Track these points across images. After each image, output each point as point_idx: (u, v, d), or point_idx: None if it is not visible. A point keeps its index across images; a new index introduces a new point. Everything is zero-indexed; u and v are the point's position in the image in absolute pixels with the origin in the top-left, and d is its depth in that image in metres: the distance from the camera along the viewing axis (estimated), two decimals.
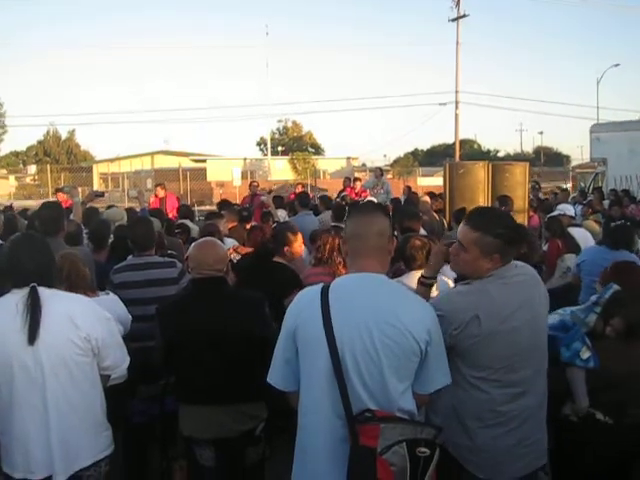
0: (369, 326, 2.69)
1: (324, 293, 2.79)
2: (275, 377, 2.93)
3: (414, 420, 2.79)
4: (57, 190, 16.92)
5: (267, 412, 3.92)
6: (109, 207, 11.05)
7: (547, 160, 64.97)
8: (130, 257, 5.43)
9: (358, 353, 2.69)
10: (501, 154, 71.38)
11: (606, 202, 14.62)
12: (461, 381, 3.17)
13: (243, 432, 3.84)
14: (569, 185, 31.90)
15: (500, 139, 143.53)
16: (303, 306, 2.87)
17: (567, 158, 62.82)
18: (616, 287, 4.07)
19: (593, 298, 4.10)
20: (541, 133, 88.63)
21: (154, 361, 4.05)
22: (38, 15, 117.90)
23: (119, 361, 3.52)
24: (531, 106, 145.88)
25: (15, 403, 3.21)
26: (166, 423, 4.31)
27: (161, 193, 13.65)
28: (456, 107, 39.27)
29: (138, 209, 9.74)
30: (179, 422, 3.94)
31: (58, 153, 69.15)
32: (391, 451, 2.55)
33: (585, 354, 3.80)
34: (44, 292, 3.23)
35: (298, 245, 5.73)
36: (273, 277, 5.22)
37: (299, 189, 14.59)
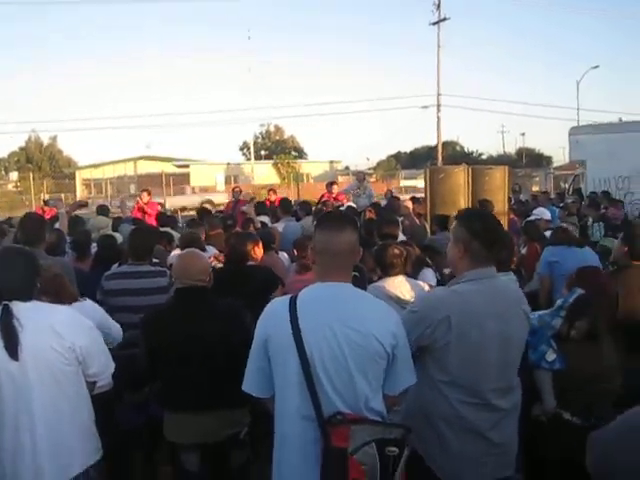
0: (335, 332, 2.82)
1: (292, 303, 2.92)
2: (250, 385, 3.06)
3: (383, 421, 2.91)
4: (44, 202, 17.03)
5: (250, 417, 4.02)
6: (100, 211, 11.08)
7: (529, 161, 65.24)
8: (123, 265, 5.54)
9: (326, 358, 2.81)
10: (484, 156, 71.62)
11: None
12: (429, 383, 3.26)
13: (227, 437, 3.94)
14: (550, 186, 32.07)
15: (483, 141, 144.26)
16: (273, 316, 3.00)
17: (549, 159, 63.11)
18: (580, 291, 4.19)
19: (559, 302, 4.22)
20: (523, 134, 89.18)
21: (139, 368, 4.12)
22: (18, 20, 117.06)
23: (104, 368, 3.57)
24: (513, 108, 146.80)
25: (2, 413, 3.24)
26: (151, 429, 4.37)
27: (145, 198, 13.69)
28: (438, 110, 39.55)
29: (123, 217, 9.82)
30: (164, 428, 4.01)
31: (40, 159, 68.82)
32: (361, 451, 2.68)
33: (550, 356, 3.91)
34: (21, 306, 3.27)
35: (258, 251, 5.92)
36: (254, 278, 5.35)
37: (271, 195, 14.61)
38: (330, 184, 15.29)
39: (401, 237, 7.35)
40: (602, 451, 2.33)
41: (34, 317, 3.28)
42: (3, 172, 70.62)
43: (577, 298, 4.13)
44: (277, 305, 3.03)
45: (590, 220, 12.30)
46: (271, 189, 16.39)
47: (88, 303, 4.47)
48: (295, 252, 6.59)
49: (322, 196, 14.53)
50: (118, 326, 4.56)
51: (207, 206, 15.11)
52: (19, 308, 3.26)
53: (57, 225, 8.06)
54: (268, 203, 13.09)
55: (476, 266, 3.31)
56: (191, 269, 3.98)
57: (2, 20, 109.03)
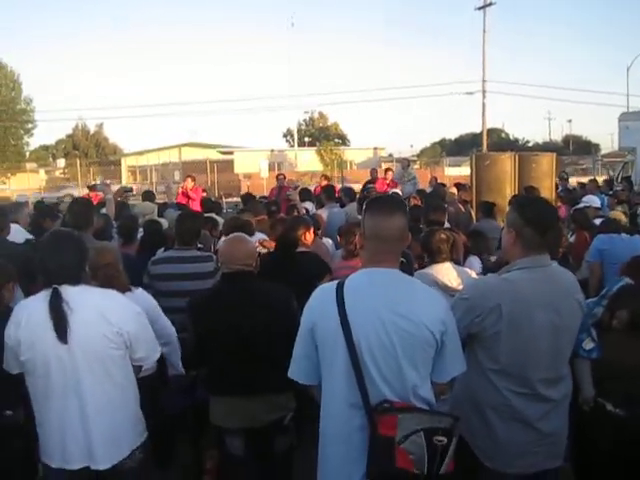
0: (383, 319, 2.78)
1: (339, 289, 2.88)
2: (296, 372, 3.05)
3: (431, 410, 2.86)
4: (89, 188, 17.13)
5: (295, 402, 4.01)
6: (145, 196, 11.17)
7: (576, 149, 64.23)
8: (170, 250, 5.59)
9: (374, 346, 2.77)
10: (530, 144, 70.68)
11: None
12: (478, 371, 3.24)
13: (272, 422, 3.93)
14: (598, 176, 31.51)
15: (529, 128, 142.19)
16: (320, 302, 2.97)
17: (596, 147, 62.07)
18: (627, 280, 4.11)
19: (603, 291, 4.15)
20: (570, 121, 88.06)
21: (186, 353, 4.14)
22: (61, 10, 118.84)
23: (150, 352, 3.60)
24: (560, 94, 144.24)
25: (51, 396, 3.30)
26: (197, 413, 4.40)
27: (190, 184, 13.77)
28: (483, 96, 39.10)
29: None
30: (210, 412, 4.03)
31: (87, 147, 69.91)
32: (409, 440, 2.65)
33: (588, 345, 3.86)
34: (71, 290, 3.29)
35: (309, 236, 5.99)
36: (303, 264, 5.34)
37: (323, 181, 14.59)
38: (386, 170, 15.31)
39: (446, 224, 7.28)
40: None
41: (83, 301, 3.31)
42: (51, 159, 71.87)
43: (621, 287, 4.05)
44: (324, 291, 2.99)
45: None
46: (323, 175, 16.39)
47: (139, 292, 4.50)
48: (339, 239, 6.57)
49: (367, 182, 14.49)
50: (169, 323, 4.57)
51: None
52: (68, 292, 3.28)
53: (104, 210, 8.14)
54: (320, 189, 13.03)
55: (529, 253, 3.25)
56: (237, 253, 3.97)
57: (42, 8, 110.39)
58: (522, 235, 3.23)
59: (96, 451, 3.32)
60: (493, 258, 6.25)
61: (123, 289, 4.11)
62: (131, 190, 13.01)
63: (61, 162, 61.30)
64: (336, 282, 2.97)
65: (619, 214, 9.24)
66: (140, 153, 61.31)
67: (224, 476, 4.22)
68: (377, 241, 2.92)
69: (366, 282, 2.92)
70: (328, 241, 7.42)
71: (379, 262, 2.92)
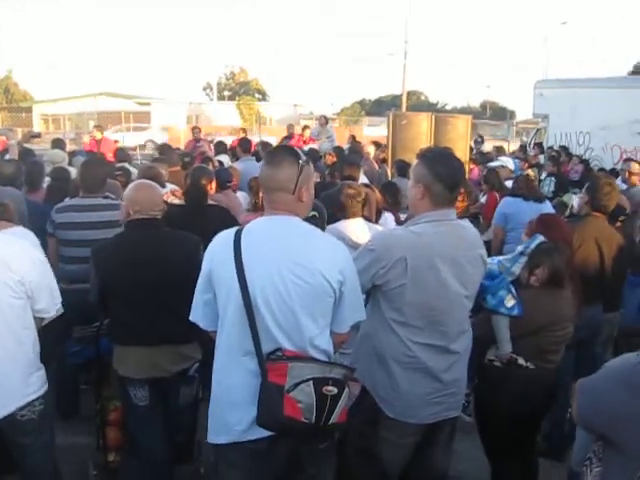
0: (280, 267, 2.76)
1: (237, 235, 2.85)
2: (196, 316, 3.02)
3: (325, 360, 2.87)
4: None
5: (201, 353, 3.98)
6: (55, 144, 10.82)
7: (493, 114, 65.40)
8: (75, 198, 5.39)
9: (269, 293, 2.75)
10: (448, 107, 71.64)
11: (541, 157, 14.94)
12: (382, 322, 3.27)
13: (177, 372, 3.91)
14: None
15: (448, 93, 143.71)
16: (218, 249, 2.93)
17: (512, 113, 63.38)
18: (542, 238, 4.19)
19: (519, 248, 4.21)
20: (488, 87, 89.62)
21: (90, 302, 4.04)
22: None
23: (51, 305, 3.53)
24: (480, 60, 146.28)
25: None
26: (101, 364, 4.32)
27: (98, 135, 13.43)
28: (404, 57, 39.30)
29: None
30: (113, 363, 3.96)
31: None
32: (298, 389, 2.66)
33: (510, 302, 3.92)
34: None
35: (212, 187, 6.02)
36: (211, 216, 5.28)
37: (239, 134, 14.55)
38: (304, 128, 15.35)
39: (363, 179, 7.29)
40: (590, 399, 2.38)
41: None
42: None
43: (539, 245, 4.12)
44: (222, 238, 2.95)
45: (544, 174, 12.39)
46: (242, 129, 16.29)
47: (21, 229, 4.32)
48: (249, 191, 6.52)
49: (284, 137, 14.44)
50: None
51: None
52: None
53: (7, 157, 7.82)
54: (236, 143, 12.92)
55: (437, 208, 3.27)
56: (142, 200, 3.87)
57: None
58: (431, 190, 3.24)
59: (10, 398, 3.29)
60: (403, 216, 6.29)
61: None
62: (39, 135, 12.54)
63: None
64: (235, 229, 2.93)
65: (531, 172, 9.41)
66: (53, 101, 59.15)
67: (128, 427, 4.16)
68: (266, 191, 2.93)
69: (264, 229, 2.89)
70: (242, 194, 7.34)
71: (276, 211, 2.89)
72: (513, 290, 3.97)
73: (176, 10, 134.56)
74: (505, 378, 3.99)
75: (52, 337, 3.74)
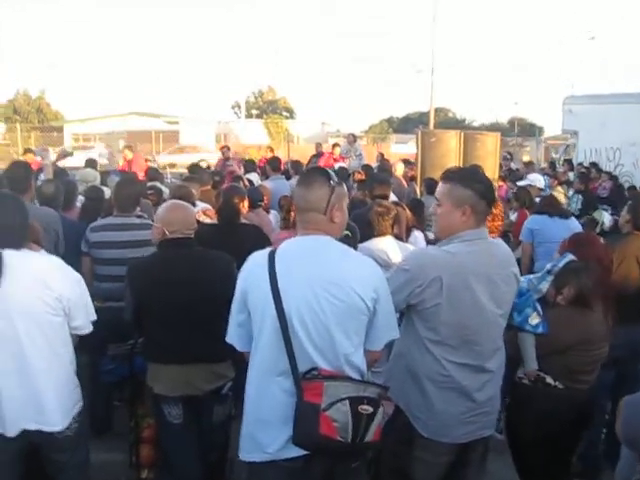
0: (314, 286, 2.79)
1: (271, 256, 2.88)
2: (232, 337, 3.06)
3: (360, 379, 2.89)
4: (26, 151, 16.72)
5: (234, 371, 4.00)
6: (88, 164, 10.96)
7: (521, 131, 65.06)
8: (108, 217, 5.48)
9: (305, 313, 2.78)
10: (476, 124, 71.34)
11: (571, 174, 14.83)
12: (416, 341, 3.28)
13: (211, 390, 3.93)
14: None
15: (476, 109, 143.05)
16: (252, 269, 2.96)
17: (540, 129, 63.00)
18: (571, 257, 4.16)
19: (548, 266, 4.19)
20: (516, 104, 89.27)
21: (124, 320, 4.08)
22: None
23: (87, 322, 3.55)
24: (507, 77, 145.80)
25: None
26: (135, 382, 4.36)
27: (129, 155, 13.59)
28: (432, 74, 39.27)
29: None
30: (147, 380, 3.99)
31: (28, 112, 67.98)
32: (334, 408, 2.69)
33: (534, 320, 3.90)
34: (10, 254, 3.23)
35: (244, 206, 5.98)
36: (244, 235, 5.32)
37: (269, 153, 14.65)
38: (334, 145, 15.46)
39: (392, 198, 7.30)
40: (635, 416, 2.38)
41: (24, 266, 3.26)
42: None
43: (567, 264, 4.10)
44: (256, 259, 2.98)
45: (571, 191, 12.30)
46: (268, 147, 16.40)
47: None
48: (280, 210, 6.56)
49: (313, 156, 14.51)
50: None
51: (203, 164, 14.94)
52: (8, 255, 3.21)
53: (42, 176, 7.95)
54: (264, 161, 13.00)
55: (479, 226, 3.29)
56: (177, 221, 3.92)
57: None
58: (477, 210, 3.25)
59: (29, 417, 3.29)
60: (431, 235, 6.29)
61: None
62: (71, 154, 12.74)
63: (1, 128, 59.50)
64: (269, 249, 2.97)
65: (558, 193, 9.38)
66: (83, 120, 59.96)
67: (161, 445, 4.19)
68: (299, 211, 2.99)
69: (298, 249, 2.93)
70: (274, 213, 7.39)
71: (307, 231, 2.94)
72: (539, 308, 3.95)
73: (176, 10, 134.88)
74: (532, 397, 3.97)
75: (88, 354, 3.77)
